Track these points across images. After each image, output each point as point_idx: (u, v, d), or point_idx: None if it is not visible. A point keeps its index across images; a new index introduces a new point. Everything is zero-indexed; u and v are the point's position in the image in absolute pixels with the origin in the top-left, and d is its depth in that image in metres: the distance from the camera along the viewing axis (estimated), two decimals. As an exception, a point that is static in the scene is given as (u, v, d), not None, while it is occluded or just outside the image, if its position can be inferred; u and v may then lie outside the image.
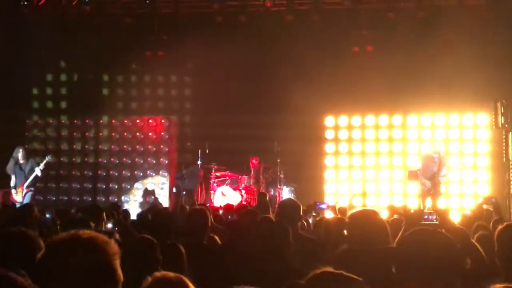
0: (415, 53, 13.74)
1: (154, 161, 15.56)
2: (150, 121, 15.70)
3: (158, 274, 2.52)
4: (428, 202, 12.20)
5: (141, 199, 15.30)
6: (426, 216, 6.28)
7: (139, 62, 16.00)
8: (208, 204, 12.44)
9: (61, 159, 15.82)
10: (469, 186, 14.52)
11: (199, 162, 14.14)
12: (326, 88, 14.19)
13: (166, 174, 15.46)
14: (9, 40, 15.14)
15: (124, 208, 10.79)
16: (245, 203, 12.78)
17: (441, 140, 13.94)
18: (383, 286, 3.09)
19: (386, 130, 15.04)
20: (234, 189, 13.83)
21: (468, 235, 5.19)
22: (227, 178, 14.19)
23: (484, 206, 10.17)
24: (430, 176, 12.22)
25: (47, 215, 9.38)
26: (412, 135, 14.92)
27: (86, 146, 15.87)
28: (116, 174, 15.61)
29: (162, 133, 15.67)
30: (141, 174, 15.52)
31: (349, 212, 5.69)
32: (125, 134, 15.73)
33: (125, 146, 15.69)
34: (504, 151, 13.53)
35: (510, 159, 13.20)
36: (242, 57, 14.12)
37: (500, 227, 4.05)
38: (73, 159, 15.90)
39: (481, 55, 13.09)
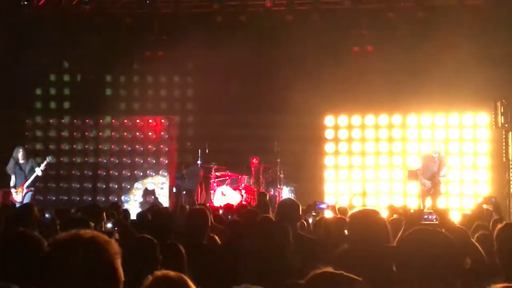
0: (415, 53, 13.73)
1: (154, 161, 15.56)
2: (150, 121, 15.71)
3: (159, 272, 2.51)
4: (428, 202, 12.21)
5: (141, 199, 15.31)
6: (426, 216, 6.27)
7: (139, 62, 16.00)
8: (208, 204, 12.44)
9: (61, 159, 15.82)
10: (469, 186, 14.52)
11: (199, 162, 14.15)
12: (326, 88, 14.19)
13: (166, 174, 15.46)
14: (9, 40, 15.15)
15: (124, 208, 10.77)
16: (245, 203, 12.77)
17: (441, 140, 13.95)
18: (383, 286, 3.10)
19: (386, 130, 15.03)
20: (234, 189, 13.84)
21: (468, 234, 5.18)
22: (227, 178, 14.19)
23: (484, 206, 10.12)
24: (430, 176, 12.23)
25: (47, 215, 9.37)
26: (412, 135, 14.92)
27: (86, 146, 15.86)
28: (116, 174, 15.61)
29: (162, 133, 15.67)
30: (141, 174, 15.53)
31: (350, 212, 5.70)
32: (125, 134, 15.74)
33: (125, 146, 15.70)
34: (504, 151, 13.53)
35: (510, 159, 13.19)
36: (242, 57, 14.11)
37: (499, 226, 4.04)
38: (73, 159, 15.89)
39: (481, 55, 13.10)
